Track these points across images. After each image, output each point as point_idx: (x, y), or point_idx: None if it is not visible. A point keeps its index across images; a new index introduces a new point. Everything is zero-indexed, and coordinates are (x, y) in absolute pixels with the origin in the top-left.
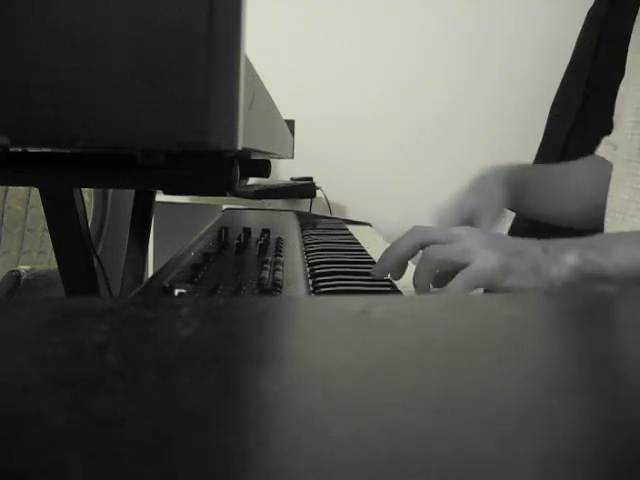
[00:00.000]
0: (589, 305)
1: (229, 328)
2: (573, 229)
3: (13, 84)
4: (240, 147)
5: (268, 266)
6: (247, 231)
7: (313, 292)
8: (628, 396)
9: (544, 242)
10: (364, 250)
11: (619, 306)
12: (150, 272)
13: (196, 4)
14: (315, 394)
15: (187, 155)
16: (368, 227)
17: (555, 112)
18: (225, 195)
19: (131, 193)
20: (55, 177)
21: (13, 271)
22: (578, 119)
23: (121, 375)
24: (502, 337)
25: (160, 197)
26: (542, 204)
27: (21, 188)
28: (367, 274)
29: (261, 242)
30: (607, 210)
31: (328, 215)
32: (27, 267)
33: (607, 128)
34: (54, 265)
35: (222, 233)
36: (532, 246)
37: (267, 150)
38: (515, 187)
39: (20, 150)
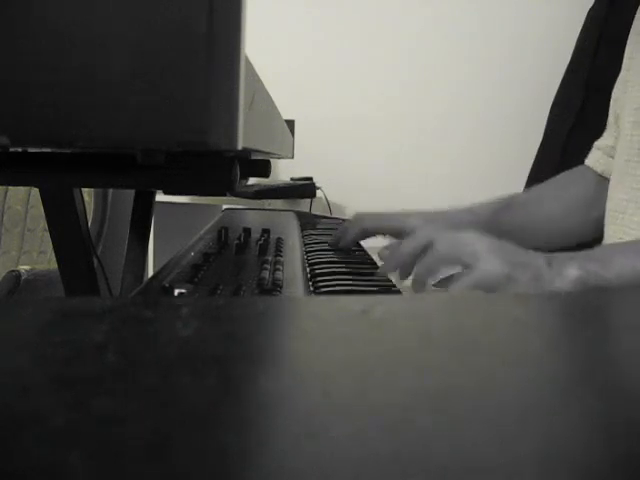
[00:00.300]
0: (590, 306)
1: (229, 328)
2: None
3: (13, 84)
4: (240, 147)
5: (268, 266)
6: (247, 231)
7: (313, 292)
8: (628, 396)
9: (548, 256)
10: (364, 250)
11: (619, 307)
12: (150, 272)
13: (196, 4)
14: (315, 394)
15: (187, 155)
16: None
17: (555, 112)
18: (225, 195)
19: (131, 193)
20: (55, 177)
21: (13, 271)
22: (578, 119)
23: (121, 375)
24: (502, 337)
25: (160, 197)
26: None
27: (21, 188)
28: (367, 274)
29: (261, 242)
30: (607, 210)
31: (328, 215)
32: (27, 267)
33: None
34: (54, 265)
35: (222, 233)
36: (536, 258)
37: (267, 150)
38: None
39: (20, 150)
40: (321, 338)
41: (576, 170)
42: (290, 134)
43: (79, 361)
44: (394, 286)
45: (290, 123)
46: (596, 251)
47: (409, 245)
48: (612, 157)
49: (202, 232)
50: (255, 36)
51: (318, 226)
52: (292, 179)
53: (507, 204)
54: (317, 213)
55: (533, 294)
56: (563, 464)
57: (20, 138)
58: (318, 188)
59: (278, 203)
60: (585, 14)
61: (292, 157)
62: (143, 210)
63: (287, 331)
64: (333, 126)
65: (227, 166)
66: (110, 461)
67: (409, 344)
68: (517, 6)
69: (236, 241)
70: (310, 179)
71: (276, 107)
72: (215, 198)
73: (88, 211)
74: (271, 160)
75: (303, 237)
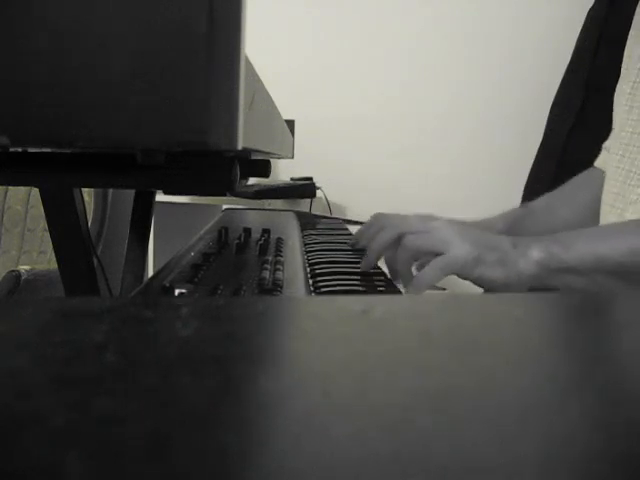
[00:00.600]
0: (590, 306)
1: (229, 328)
2: None
3: (13, 84)
4: (240, 147)
5: (268, 266)
6: (247, 231)
7: (313, 292)
8: (629, 396)
9: (513, 238)
10: (364, 250)
11: (619, 307)
12: (150, 272)
13: (196, 4)
14: (315, 394)
15: (187, 155)
16: None
17: (555, 112)
18: (225, 195)
19: (131, 193)
20: (55, 177)
21: (13, 271)
22: (578, 119)
23: (121, 375)
24: (502, 337)
25: (160, 197)
26: None
27: (21, 188)
28: (367, 274)
29: (261, 242)
30: (602, 203)
31: (328, 215)
32: (27, 267)
33: (607, 128)
34: (54, 265)
35: (222, 233)
36: (502, 241)
37: (267, 150)
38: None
39: (20, 150)
40: (321, 338)
41: (586, 173)
42: (290, 134)
43: (79, 361)
44: (394, 286)
45: (290, 123)
46: (562, 235)
47: (382, 238)
48: None
49: (202, 232)
50: (255, 36)
51: (318, 226)
52: (292, 179)
53: (523, 215)
54: (317, 213)
55: (534, 294)
56: (563, 464)
57: (20, 138)
58: (318, 188)
59: (278, 203)
60: (585, 14)
61: (292, 157)
62: (143, 210)
63: (287, 331)
64: (333, 126)
65: (227, 166)
66: (110, 461)
67: (409, 344)
68: (517, 6)
69: (236, 241)
70: (310, 179)
71: (276, 107)
72: (215, 198)
73: (88, 211)
74: (271, 160)
75: (303, 237)
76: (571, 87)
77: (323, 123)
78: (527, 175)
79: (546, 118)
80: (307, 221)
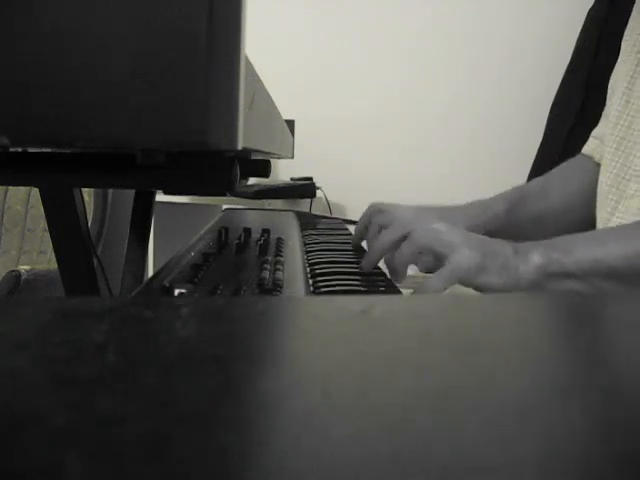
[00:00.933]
0: (590, 306)
1: (229, 328)
2: None
3: (13, 84)
4: (240, 147)
5: (268, 266)
6: (247, 231)
7: (313, 292)
8: (629, 396)
9: (514, 244)
10: (364, 250)
11: (620, 307)
12: (150, 272)
13: (196, 4)
14: (315, 394)
15: (187, 155)
16: None
17: (555, 112)
18: (225, 195)
19: (131, 193)
20: (55, 177)
21: (13, 271)
22: (578, 119)
23: (121, 375)
24: (502, 337)
25: (160, 197)
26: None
27: (21, 188)
28: (367, 274)
29: (261, 242)
30: (597, 194)
31: (328, 215)
32: (27, 267)
33: None
34: (54, 265)
35: (222, 233)
36: (504, 247)
37: (267, 150)
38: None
39: (20, 150)
40: (321, 338)
41: (576, 160)
42: (290, 134)
43: (79, 361)
44: (394, 286)
45: (290, 123)
46: (562, 239)
47: (386, 237)
48: None
49: (202, 232)
50: (255, 36)
51: (318, 226)
52: (292, 179)
53: (519, 198)
54: (317, 213)
55: (534, 294)
56: (563, 464)
57: (20, 138)
58: (318, 188)
59: (278, 203)
60: (585, 14)
61: (292, 157)
62: (143, 210)
63: (287, 331)
64: (333, 126)
65: (227, 166)
66: (110, 461)
67: (409, 344)
68: (517, 6)
69: (236, 241)
70: (310, 179)
71: (276, 107)
72: (215, 198)
73: (88, 211)
74: (271, 160)
75: (303, 237)
76: (571, 87)
77: (323, 123)
78: (527, 175)
79: (546, 118)
80: (307, 221)
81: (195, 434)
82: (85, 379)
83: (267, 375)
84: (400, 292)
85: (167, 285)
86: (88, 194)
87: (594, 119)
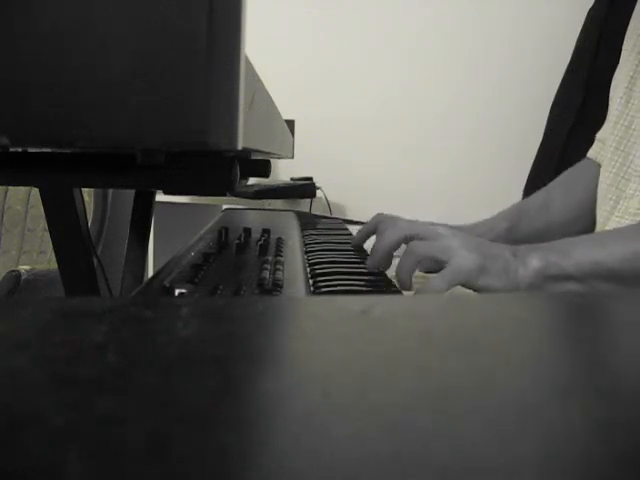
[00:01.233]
0: (590, 306)
1: (229, 328)
2: None
3: (13, 84)
4: (240, 147)
5: (268, 266)
6: (247, 231)
7: (313, 292)
8: (629, 396)
9: (512, 247)
10: (364, 250)
11: (620, 307)
12: (150, 272)
13: (196, 4)
14: (315, 394)
15: (187, 155)
16: None
17: (555, 112)
18: (225, 195)
19: (131, 193)
20: (55, 177)
21: (13, 271)
22: (578, 119)
23: (121, 375)
24: (502, 337)
25: (160, 197)
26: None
27: (21, 188)
28: (367, 274)
29: (261, 242)
30: (598, 194)
31: (328, 215)
32: (27, 267)
33: None
34: (54, 265)
35: (222, 233)
36: (503, 250)
37: (267, 150)
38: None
39: (20, 150)
40: (321, 338)
41: (580, 166)
42: (290, 134)
43: (79, 361)
44: (394, 286)
45: (290, 123)
46: (560, 242)
47: (386, 241)
48: None
49: (202, 232)
50: (255, 36)
51: (318, 226)
52: (292, 179)
53: (520, 214)
54: (317, 213)
55: (534, 294)
56: (563, 464)
57: (20, 138)
58: (318, 188)
59: (278, 203)
60: (585, 14)
61: (292, 157)
62: (143, 210)
63: (287, 331)
64: (333, 126)
65: (227, 166)
66: (110, 461)
67: (409, 344)
68: (517, 6)
69: (236, 241)
70: (310, 179)
71: (276, 107)
72: (215, 198)
73: (88, 211)
74: (271, 160)
75: (303, 237)
76: (571, 87)
77: (323, 123)
78: (527, 175)
79: (546, 118)
80: (307, 221)
81: (195, 434)
82: (85, 379)
83: (267, 375)
84: (400, 292)
85: (167, 285)
86: (88, 194)
87: (594, 119)
